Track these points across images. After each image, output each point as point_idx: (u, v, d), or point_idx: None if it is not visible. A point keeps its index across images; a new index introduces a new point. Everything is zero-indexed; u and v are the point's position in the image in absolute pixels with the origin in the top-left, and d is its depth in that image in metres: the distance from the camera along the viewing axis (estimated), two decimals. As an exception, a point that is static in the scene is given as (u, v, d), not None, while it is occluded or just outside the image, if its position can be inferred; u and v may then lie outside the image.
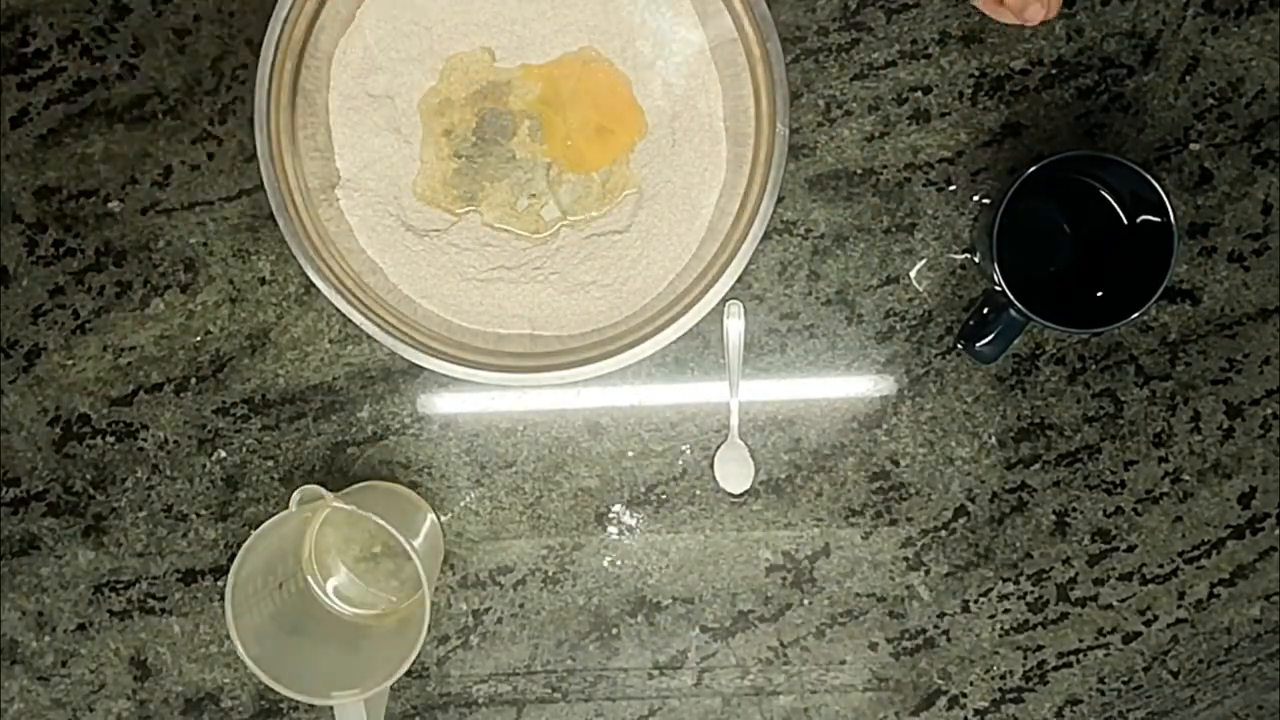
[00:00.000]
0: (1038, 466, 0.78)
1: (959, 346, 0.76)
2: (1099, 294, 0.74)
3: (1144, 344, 0.77)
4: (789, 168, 0.75)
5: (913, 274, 0.77)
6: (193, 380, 0.77)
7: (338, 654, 0.72)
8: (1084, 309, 0.72)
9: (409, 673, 0.78)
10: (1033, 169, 0.68)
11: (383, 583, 0.77)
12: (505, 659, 0.78)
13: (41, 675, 0.78)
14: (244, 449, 0.77)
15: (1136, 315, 0.68)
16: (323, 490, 0.65)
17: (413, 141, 0.73)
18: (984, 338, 0.73)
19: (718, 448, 0.76)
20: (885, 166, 0.76)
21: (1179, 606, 0.79)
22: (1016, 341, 0.74)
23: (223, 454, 0.77)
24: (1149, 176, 0.67)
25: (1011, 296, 0.69)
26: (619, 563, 0.78)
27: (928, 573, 0.78)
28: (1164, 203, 0.68)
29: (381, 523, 0.66)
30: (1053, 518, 0.78)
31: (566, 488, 0.77)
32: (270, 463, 0.77)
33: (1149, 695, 0.80)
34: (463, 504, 0.77)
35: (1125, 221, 0.73)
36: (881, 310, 0.77)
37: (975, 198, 0.76)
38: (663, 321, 0.70)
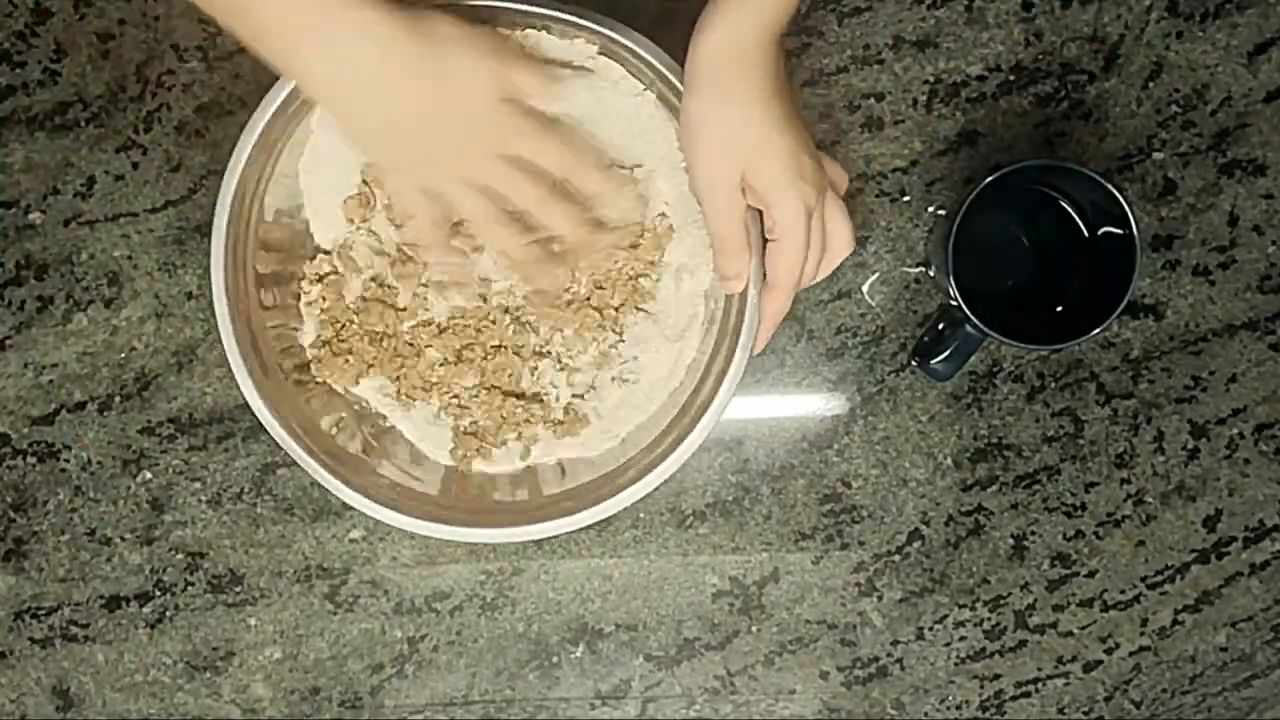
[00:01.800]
0: (995, 488, 0.72)
1: (913, 364, 0.70)
2: (1058, 309, 0.68)
3: (1105, 361, 0.71)
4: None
5: (865, 288, 0.71)
6: (117, 399, 0.70)
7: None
8: (1043, 325, 0.66)
9: (341, 703, 0.72)
10: (990, 179, 0.62)
11: None
12: (442, 688, 0.72)
13: (-38, 704, 0.72)
14: (170, 470, 0.70)
15: (1098, 331, 0.63)
16: None
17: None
18: (939, 354, 0.67)
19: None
20: (837, 176, 0.70)
21: (1141, 634, 0.73)
22: (973, 359, 0.68)
23: (148, 475, 0.71)
24: (1110, 187, 0.62)
25: (968, 312, 0.63)
26: (560, 588, 0.72)
27: (881, 599, 0.72)
28: (1126, 214, 0.62)
29: None
30: (1010, 541, 0.72)
31: (505, 510, 0.71)
32: (197, 484, 0.71)
33: (1111, 724, 0.74)
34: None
35: (1086, 234, 0.67)
36: (833, 326, 0.71)
37: (930, 209, 0.70)
38: (635, 472, 0.63)
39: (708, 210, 0.59)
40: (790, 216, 0.57)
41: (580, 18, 0.60)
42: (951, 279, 0.63)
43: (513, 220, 0.59)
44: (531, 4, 0.59)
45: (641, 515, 0.71)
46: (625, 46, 0.61)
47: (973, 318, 0.63)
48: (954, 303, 0.64)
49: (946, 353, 0.67)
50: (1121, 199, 0.62)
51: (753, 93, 0.56)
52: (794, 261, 0.58)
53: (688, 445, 0.62)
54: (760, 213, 0.59)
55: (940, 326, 0.68)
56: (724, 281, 0.61)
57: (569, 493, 0.65)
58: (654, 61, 0.60)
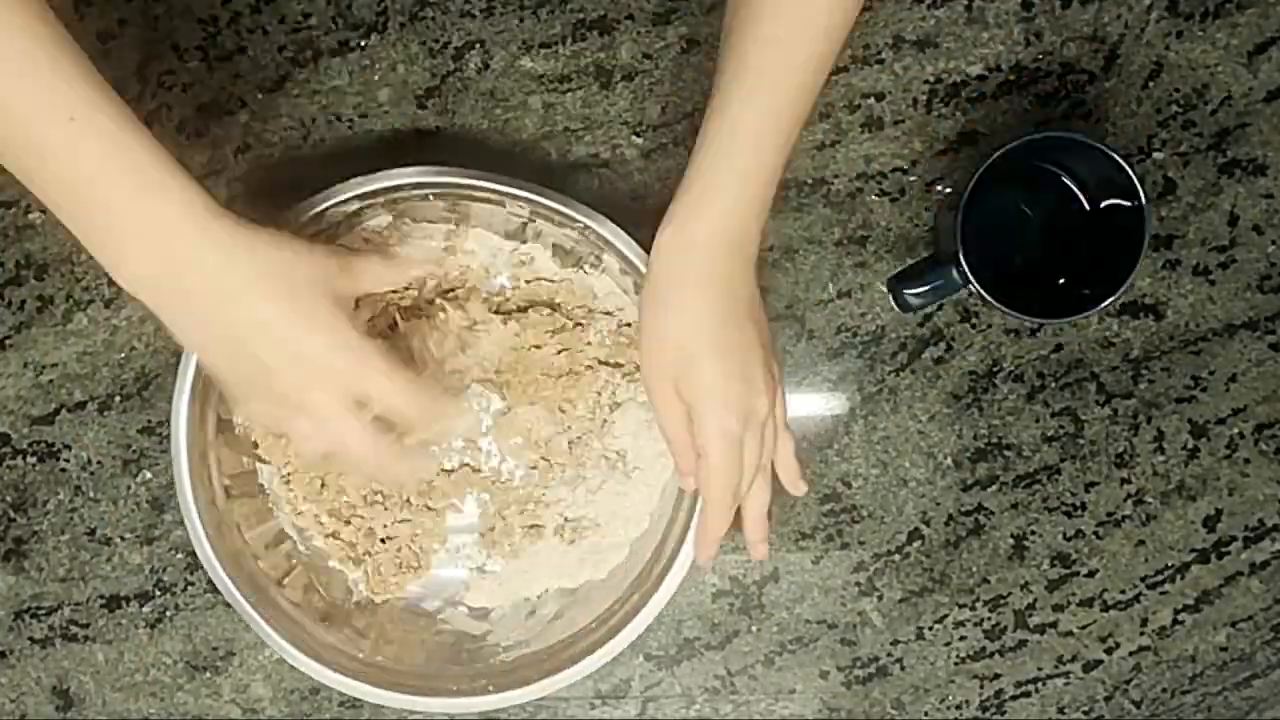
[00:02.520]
0: (995, 488, 0.71)
1: (886, 287, 0.68)
2: (1068, 286, 0.66)
3: (1105, 361, 0.71)
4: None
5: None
6: (117, 398, 0.70)
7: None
8: (1054, 302, 0.65)
9: (342, 703, 0.71)
10: (999, 152, 0.61)
11: None
12: (442, 688, 0.71)
13: (-38, 704, 0.71)
14: (170, 470, 0.69)
15: (1111, 300, 0.61)
16: None
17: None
18: (915, 286, 0.65)
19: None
20: (836, 176, 0.69)
21: (1141, 633, 0.72)
22: (973, 358, 0.68)
23: (148, 475, 0.70)
24: (1117, 157, 0.60)
25: (966, 268, 0.61)
26: (559, 588, 0.71)
27: (881, 598, 0.71)
28: (1134, 185, 0.61)
29: None
30: (1010, 541, 0.71)
31: (505, 510, 0.70)
32: (197, 484, 0.70)
33: (1111, 724, 0.73)
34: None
35: (1090, 208, 0.66)
36: (833, 326, 0.70)
37: (938, 188, 0.69)
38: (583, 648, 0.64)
39: (653, 405, 0.59)
40: (708, 438, 0.56)
41: (565, 206, 0.61)
42: (959, 240, 0.61)
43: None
44: (500, 183, 0.61)
45: (641, 515, 0.70)
46: (601, 237, 0.61)
47: (964, 264, 0.61)
48: (957, 252, 0.61)
49: (923, 288, 0.65)
50: (1128, 168, 0.60)
51: (689, 314, 0.56)
52: (719, 481, 0.57)
53: (628, 632, 0.63)
54: None
55: (929, 259, 0.67)
56: (680, 477, 0.60)
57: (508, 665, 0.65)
58: (625, 252, 0.61)
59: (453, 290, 0.67)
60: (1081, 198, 0.66)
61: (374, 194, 0.61)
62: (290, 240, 0.53)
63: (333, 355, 0.52)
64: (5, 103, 0.46)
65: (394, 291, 0.65)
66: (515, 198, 0.61)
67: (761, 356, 0.57)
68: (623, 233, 0.61)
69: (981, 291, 0.62)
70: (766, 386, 0.57)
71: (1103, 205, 0.65)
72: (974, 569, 0.71)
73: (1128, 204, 0.62)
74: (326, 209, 0.61)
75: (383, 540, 0.67)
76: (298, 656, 0.62)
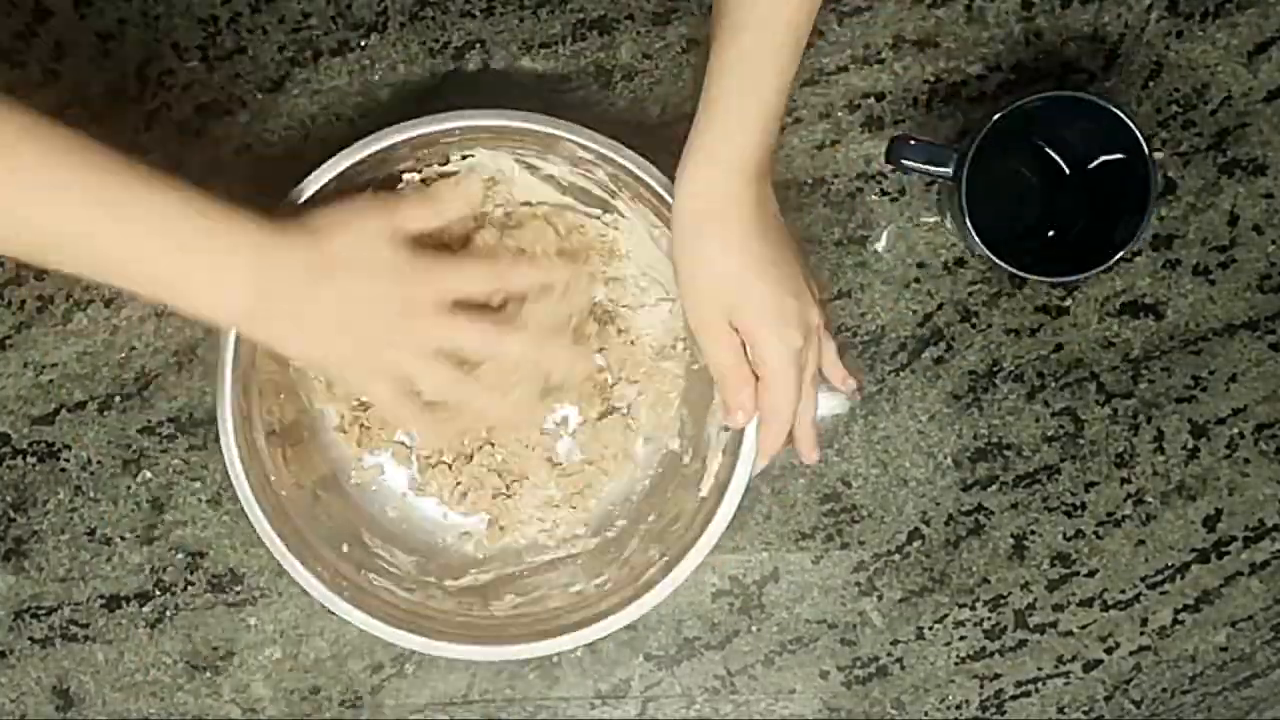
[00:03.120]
0: (995, 488, 0.71)
1: (887, 145, 0.65)
2: (1051, 234, 0.67)
3: (1106, 360, 0.71)
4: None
5: (880, 245, 0.70)
6: (117, 398, 0.69)
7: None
8: (1067, 264, 0.64)
9: (341, 703, 0.71)
10: (998, 116, 0.60)
11: None
12: (442, 688, 0.71)
13: (-39, 705, 0.71)
14: (170, 470, 0.70)
15: (1120, 255, 0.61)
16: None
17: None
18: (911, 155, 0.63)
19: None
20: (836, 176, 0.69)
21: (1141, 633, 0.72)
22: (973, 357, 0.68)
23: (148, 475, 0.70)
24: (1118, 110, 0.60)
25: (977, 239, 0.61)
26: (559, 588, 0.71)
27: (881, 598, 0.71)
28: (1135, 140, 0.60)
29: None
30: (1010, 541, 0.71)
31: (505, 510, 0.70)
32: (197, 484, 0.70)
33: (1111, 724, 0.73)
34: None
35: (1085, 170, 0.66)
36: (833, 325, 0.70)
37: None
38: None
39: (703, 348, 0.60)
40: (773, 358, 0.58)
41: (585, 139, 0.61)
42: (963, 200, 0.61)
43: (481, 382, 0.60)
44: (546, 125, 0.60)
45: (641, 515, 0.70)
46: (627, 170, 0.61)
47: (983, 247, 0.61)
48: (964, 162, 0.61)
49: (915, 158, 0.63)
50: (1130, 123, 0.60)
51: (730, 240, 0.56)
52: (782, 400, 0.59)
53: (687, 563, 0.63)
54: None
55: (933, 149, 0.64)
56: (727, 414, 0.61)
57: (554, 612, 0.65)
58: (654, 185, 0.61)
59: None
60: (1063, 165, 0.66)
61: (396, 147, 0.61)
62: (335, 208, 0.57)
63: (399, 274, 0.56)
64: (53, 222, 0.51)
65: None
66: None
67: (801, 269, 0.59)
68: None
69: (964, 206, 0.61)
70: (814, 297, 0.59)
71: (1099, 164, 0.65)
72: (974, 569, 0.71)
73: (1127, 158, 0.61)
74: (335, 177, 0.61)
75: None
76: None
